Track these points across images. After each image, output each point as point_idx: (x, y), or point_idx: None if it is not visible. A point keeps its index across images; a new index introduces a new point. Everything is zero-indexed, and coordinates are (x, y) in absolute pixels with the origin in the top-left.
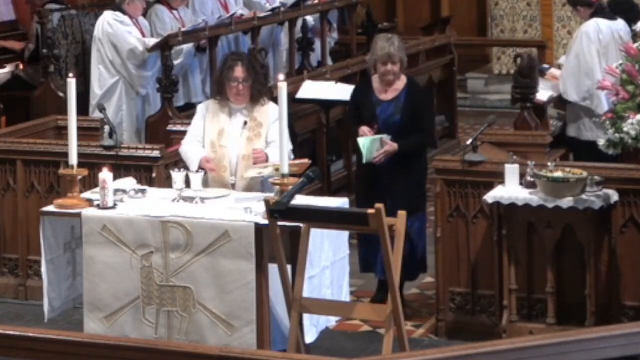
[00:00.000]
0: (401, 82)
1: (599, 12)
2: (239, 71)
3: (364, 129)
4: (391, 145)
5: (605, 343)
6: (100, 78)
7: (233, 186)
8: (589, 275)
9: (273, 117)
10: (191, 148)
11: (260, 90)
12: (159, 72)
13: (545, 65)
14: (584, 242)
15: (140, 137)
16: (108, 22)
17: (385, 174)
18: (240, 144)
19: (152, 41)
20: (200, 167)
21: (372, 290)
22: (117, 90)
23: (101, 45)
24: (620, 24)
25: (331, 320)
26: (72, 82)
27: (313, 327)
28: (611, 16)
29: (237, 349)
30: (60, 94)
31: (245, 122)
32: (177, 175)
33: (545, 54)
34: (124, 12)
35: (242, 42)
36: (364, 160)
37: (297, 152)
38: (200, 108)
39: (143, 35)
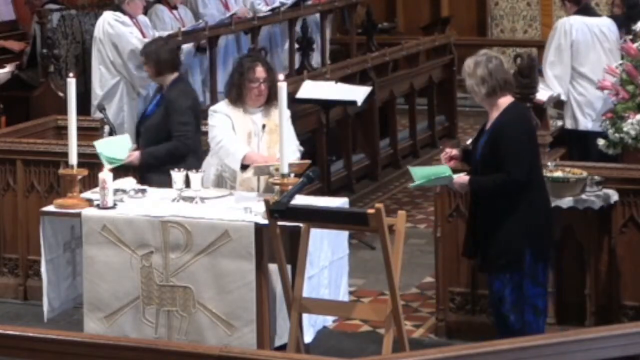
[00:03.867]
0: (502, 105)
1: (582, 10)
2: (260, 72)
3: (447, 149)
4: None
5: (605, 343)
6: (102, 79)
7: (258, 188)
8: (589, 275)
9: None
10: (232, 142)
11: (274, 90)
12: None
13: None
14: (584, 242)
15: None
16: (109, 22)
17: (478, 221)
18: (261, 148)
19: None
20: (244, 165)
21: (372, 290)
22: (119, 91)
23: (102, 46)
24: (605, 21)
25: (329, 320)
26: (72, 82)
27: (311, 327)
28: (594, 13)
29: (237, 349)
30: (60, 94)
31: (264, 126)
32: (177, 175)
33: None
34: (124, 11)
35: (243, 42)
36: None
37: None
38: (220, 107)
39: (143, 34)
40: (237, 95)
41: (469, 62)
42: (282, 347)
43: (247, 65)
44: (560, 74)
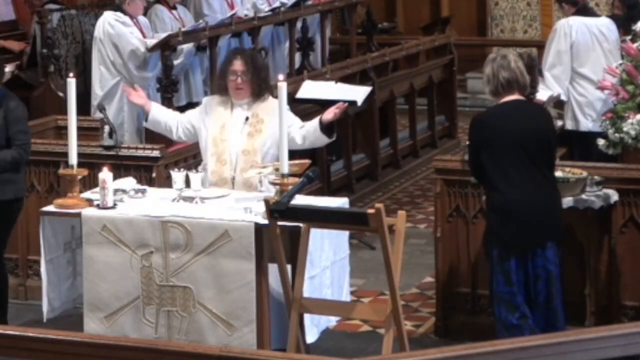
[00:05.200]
0: None
1: (580, 11)
2: (237, 65)
3: None
4: None
5: (605, 343)
6: (102, 79)
7: (233, 180)
8: (589, 275)
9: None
10: None
11: (262, 86)
12: (159, 72)
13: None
14: (584, 242)
15: (142, 137)
16: (109, 22)
17: None
18: (241, 139)
19: (153, 41)
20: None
21: (372, 290)
22: (119, 91)
23: (102, 46)
24: (604, 21)
25: (332, 320)
26: (72, 82)
27: (314, 327)
28: (592, 14)
29: (237, 349)
30: (60, 94)
31: (247, 118)
32: (177, 175)
33: None
34: (124, 12)
35: (245, 42)
36: None
37: (297, 152)
38: (205, 99)
39: (143, 35)
40: (220, 87)
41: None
42: None
43: (228, 59)
44: (559, 74)
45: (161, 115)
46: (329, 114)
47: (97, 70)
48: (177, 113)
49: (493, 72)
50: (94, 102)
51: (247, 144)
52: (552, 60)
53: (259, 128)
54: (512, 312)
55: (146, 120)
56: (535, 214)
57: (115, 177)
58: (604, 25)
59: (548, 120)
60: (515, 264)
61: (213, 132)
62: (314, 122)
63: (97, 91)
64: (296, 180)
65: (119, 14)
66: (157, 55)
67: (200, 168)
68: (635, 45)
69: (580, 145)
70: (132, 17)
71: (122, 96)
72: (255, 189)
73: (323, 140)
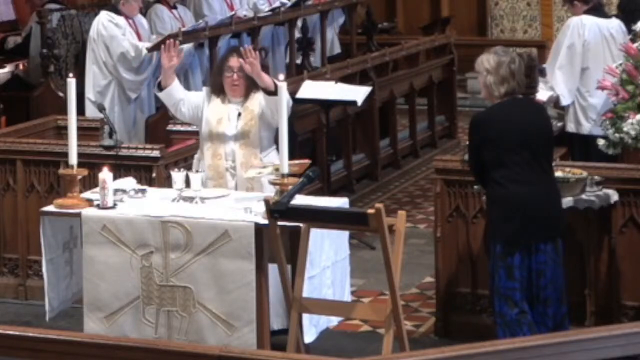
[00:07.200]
0: None
1: (592, 10)
2: (234, 61)
3: None
4: None
5: (605, 343)
6: (95, 78)
7: (231, 173)
8: (589, 275)
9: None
10: None
11: (257, 84)
12: (154, 73)
13: (545, 65)
14: (584, 242)
15: (132, 138)
16: (102, 23)
17: None
18: (237, 135)
19: (146, 45)
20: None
21: (372, 290)
22: (110, 92)
23: (95, 46)
24: (613, 22)
25: (332, 321)
26: (72, 82)
27: (313, 327)
28: (604, 15)
29: (237, 349)
30: (60, 94)
31: (240, 114)
32: (177, 175)
33: (545, 54)
34: (120, 12)
35: (245, 42)
36: None
37: (297, 152)
38: (205, 90)
39: (139, 36)
40: (215, 84)
41: (488, 58)
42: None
43: (224, 56)
44: (569, 75)
45: (176, 94)
46: (263, 78)
47: (90, 69)
48: (185, 92)
49: (513, 74)
50: (86, 101)
51: (243, 138)
52: (564, 59)
53: (251, 118)
54: (512, 307)
55: (160, 89)
56: (538, 208)
57: (115, 177)
58: (614, 27)
59: (545, 117)
60: (519, 259)
61: (210, 124)
62: (264, 95)
63: (90, 90)
64: (296, 180)
65: (112, 14)
66: (150, 57)
67: (197, 155)
68: (635, 45)
69: (581, 148)
70: (127, 18)
71: (114, 97)
72: (259, 182)
73: (275, 100)
